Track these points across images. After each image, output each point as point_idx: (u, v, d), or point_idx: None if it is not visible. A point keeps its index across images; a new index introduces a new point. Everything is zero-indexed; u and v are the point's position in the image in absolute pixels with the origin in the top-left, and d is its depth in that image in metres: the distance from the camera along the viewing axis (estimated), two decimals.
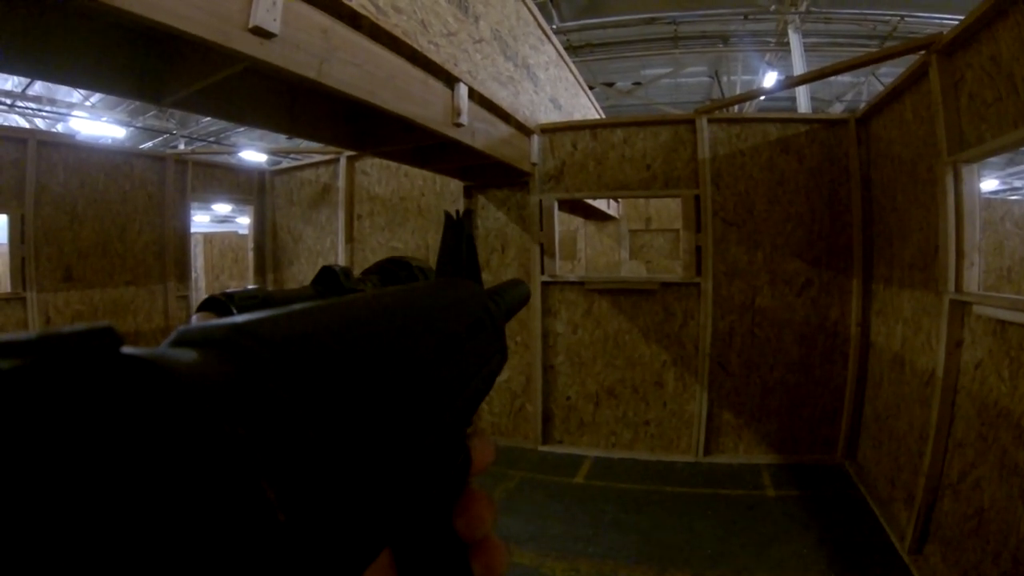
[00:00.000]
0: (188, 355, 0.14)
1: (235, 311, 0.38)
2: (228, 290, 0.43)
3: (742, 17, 6.85)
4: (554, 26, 6.93)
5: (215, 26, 1.55)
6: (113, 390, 0.11)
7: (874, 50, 3.92)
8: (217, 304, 0.41)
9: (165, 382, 0.12)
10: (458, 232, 0.43)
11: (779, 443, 3.95)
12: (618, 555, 3.05)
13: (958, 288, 2.79)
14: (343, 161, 4.74)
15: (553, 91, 4.67)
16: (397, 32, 2.30)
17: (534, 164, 4.14)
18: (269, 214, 5.54)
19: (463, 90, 2.93)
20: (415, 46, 2.47)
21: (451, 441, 0.29)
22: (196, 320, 0.35)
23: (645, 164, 4.09)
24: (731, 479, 3.80)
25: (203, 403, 0.13)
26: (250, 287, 0.49)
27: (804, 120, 3.93)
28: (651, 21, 6.77)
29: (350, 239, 4.81)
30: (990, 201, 3.60)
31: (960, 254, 2.80)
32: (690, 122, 3.97)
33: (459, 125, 2.94)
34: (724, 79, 8.29)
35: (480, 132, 3.26)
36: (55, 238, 4.02)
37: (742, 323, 3.99)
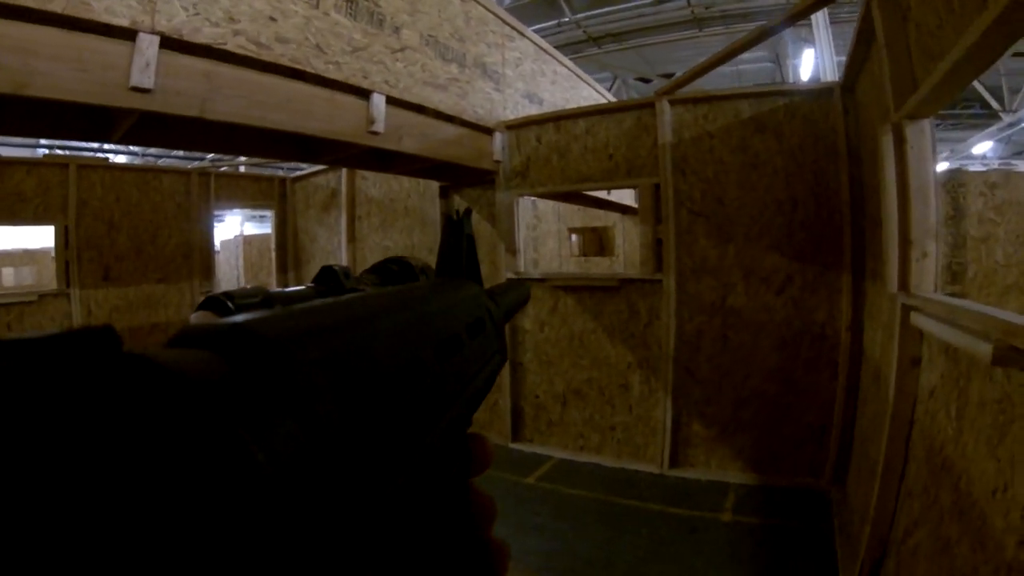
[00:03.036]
0: (188, 354, 0.14)
1: (234, 311, 0.39)
2: (227, 290, 0.43)
3: None
4: (566, 19, 6.63)
5: (103, 92, 1.91)
6: (113, 390, 0.11)
7: None
8: (217, 304, 0.41)
9: (165, 381, 0.12)
10: (458, 232, 0.42)
11: (755, 461, 3.40)
12: (523, 561, 2.88)
13: (903, 287, 2.07)
14: (344, 168, 4.83)
15: (530, 86, 4.30)
16: (284, 62, 2.42)
17: (497, 162, 3.88)
18: (290, 217, 5.81)
19: (378, 100, 2.84)
20: (309, 70, 2.52)
21: (451, 441, 0.28)
22: (196, 319, 0.37)
23: (607, 154, 3.73)
24: (691, 497, 3.34)
25: (203, 402, 0.12)
26: (250, 287, 0.50)
27: (782, 92, 3.24)
28: (659, 3, 6.22)
29: (352, 239, 4.87)
30: (1010, 175, 2.75)
31: (906, 241, 2.06)
32: (651, 105, 3.56)
33: (375, 133, 2.89)
34: (788, 62, 7.29)
35: (411, 137, 3.19)
36: (95, 244, 4.60)
37: (712, 325, 3.50)
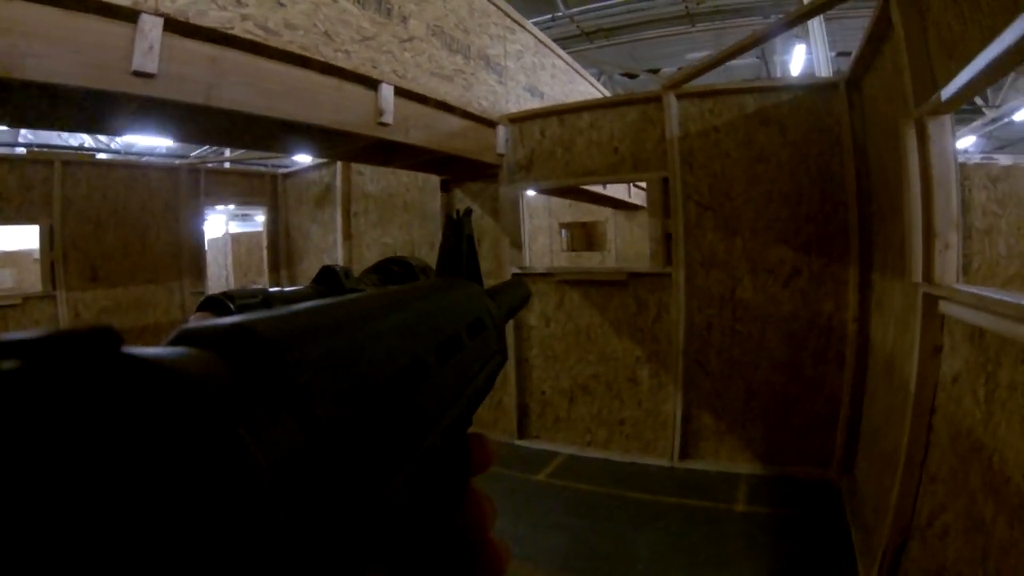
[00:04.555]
0: (188, 355, 0.14)
1: (234, 311, 0.38)
2: (227, 290, 0.43)
3: None
4: (560, 13, 6.59)
5: (102, 76, 1.80)
6: (113, 390, 0.11)
7: None
8: (217, 304, 0.41)
9: (165, 381, 0.12)
10: (458, 232, 0.42)
11: (765, 452, 3.42)
12: (542, 558, 2.80)
13: (927, 278, 2.14)
14: (339, 163, 4.74)
15: (531, 79, 4.27)
16: (292, 48, 2.32)
17: (501, 155, 3.83)
18: (282, 214, 5.65)
19: (386, 91, 2.77)
20: (318, 57, 2.43)
21: (452, 442, 0.28)
22: (195, 320, 0.36)
23: (613, 147, 3.71)
24: (703, 489, 3.35)
25: (203, 402, 0.12)
26: (250, 287, 0.39)
27: (787, 87, 3.27)
28: None
29: (348, 236, 4.76)
30: (1011, 169, 2.82)
31: (930, 233, 2.08)
32: (657, 99, 3.53)
33: (384, 124, 2.79)
34: (775, 58, 7.38)
35: (418, 128, 3.11)
36: (81, 244, 4.41)
37: (721, 317, 3.51)
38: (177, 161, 6.15)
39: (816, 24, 5.53)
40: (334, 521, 0.15)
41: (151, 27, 1.89)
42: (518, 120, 3.86)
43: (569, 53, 5.46)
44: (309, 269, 5.21)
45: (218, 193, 5.17)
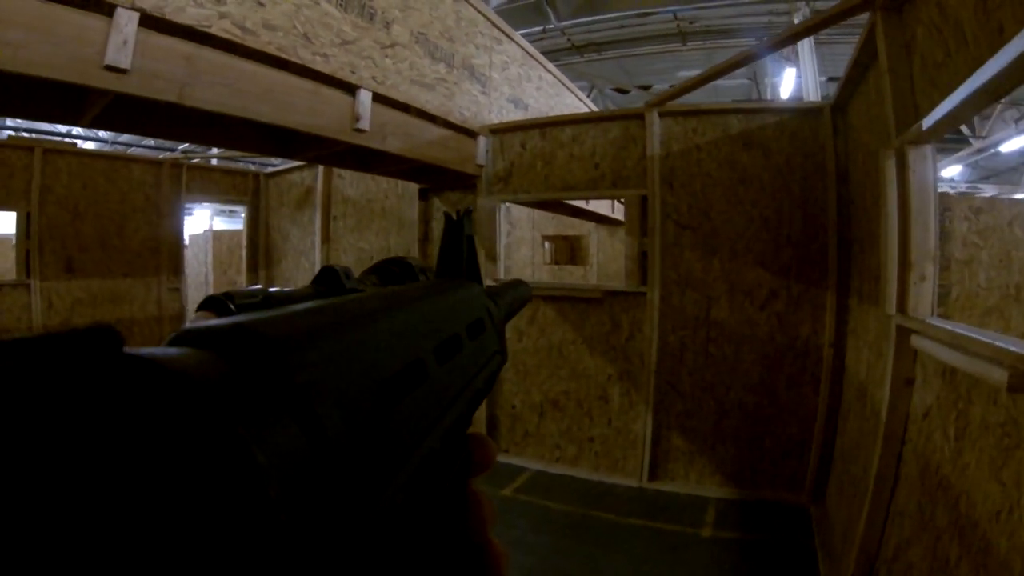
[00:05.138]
0: (189, 355, 0.14)
1: (235, 311, 0.38)
2: (228, 290, 0.43)
3: (746, 6, 6.06)
4: (551, 25, 6.54)
5: (75, 69, 1.78)
6: (114, 390, 0.11)
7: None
8: (217, 304, 0.40)
9: (166, 381, 0.12)
10: (458, 232, 0.42)
11: (736, 475, 3.36)
12: None
13: (901, 309, 2.02)
14: (321, 166, 4.66)
15: (516, 91, 4.23)
16: (270, 49, 2.28)
17: (480, 166, 3.78)
18: (263, 214, 5.59)
19: (364, 96, 2.73)
20: (295, 60, 2.39)
21: (452, 442, 0.27)
22: (195, 319, 0.35)
23: (594, 163, 3.67)
24: (671, 511, 3.28)
25: (203, 402, 0.12)
26: (251, 287, 0.50)
27: (772, 110, 3.23)
28: (645, 15, 6.15)
29: (326, 239, 4.68)
30: (995, 202, 2.79)
31: (905, 265, 2.06)
32: (640, 116, 3.50)
33: (360, 131, 2.73)
34: (766, 80, 7.40)
35: (396, 136, 3.05)
36: (58, 233, 4.32)
37: (695, 338, 3.46)
38: (161, 155, 6.10)
39: (806, 48, 5.56)
40: (335, 521, 0.15)
41: (127, 21, 1.86)
42: (500, 131, 3.83)
43: (559, 66, 5.45)
44: (287, 271, 5.15)
45: (200, 190, 5.10)
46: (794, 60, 6.07)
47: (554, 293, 3.71)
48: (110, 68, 1.85)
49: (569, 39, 6.82)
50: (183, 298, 4.98)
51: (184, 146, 7.05)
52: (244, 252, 5.39)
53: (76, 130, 7.41)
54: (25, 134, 6.24)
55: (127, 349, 0.12)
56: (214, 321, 0.16)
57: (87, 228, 4.50)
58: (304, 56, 2.49)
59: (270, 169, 5.61)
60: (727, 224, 3.27)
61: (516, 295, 0.47)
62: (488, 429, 3.91)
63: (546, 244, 7.75)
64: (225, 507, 0.11)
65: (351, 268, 0.44)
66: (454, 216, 0.42)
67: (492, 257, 3.84)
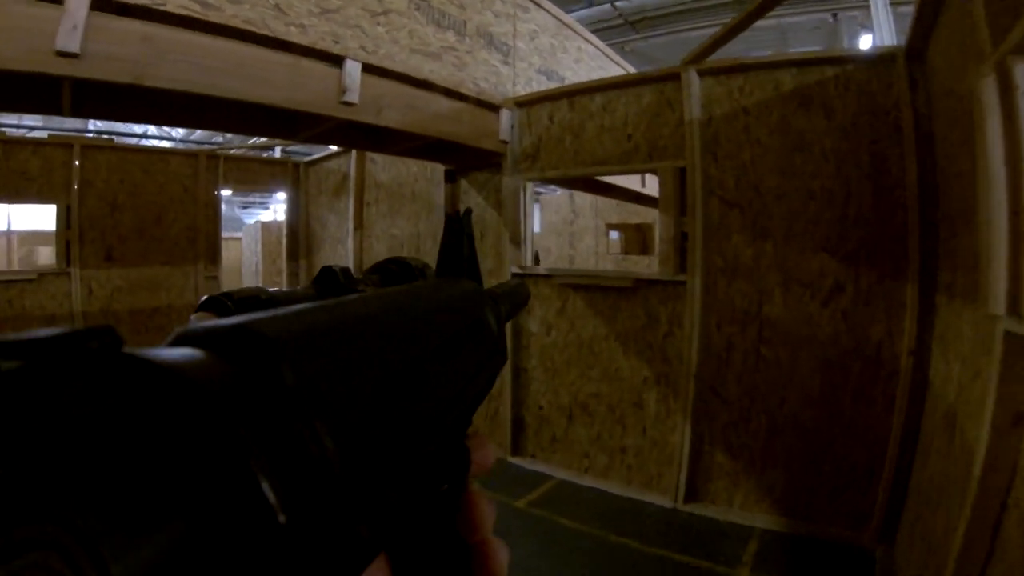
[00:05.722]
0: (189, 355, 0.14)
1: (234, 311, 0.38)
2: (227, 290, 0.44)
3: None
4: None
5: (29, 57, 1.80)
6: (113, 389, 0.11)
7: None
8: (217, 304, 0.41)
9: (166, 382, 0.12)
10: (458, 231, 0.42)
11: (787, 504, 2.80)
12: None
13: (1014, 309, 1.42)
14: (354, 151, 4.49)
15: (548, 62, 3.83)
16: (236, 23, 2.17)
17: (504, 142, 3.48)
18: (303, 203, 5.55)
19: (352, 67, 2.51)
20: (265, 32, 2.25)
21: (451, 442, 0.28)
22: (195, 320, 0.36)
23: (626, 133, 3.21)
24: (704, 542, 2.78)
25: (203, 402, 0.12)
26: (250, 287, 0.51)
27: (832, 60, 2.58)
28: None
29: (359, 226, 4.50)
30: None
31: (1019, 237, 1.43)
32: (676, 77, 2.99)
33: (348, 104, 2.53)
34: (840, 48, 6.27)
35: (394, 109, 2.81)
36: (98, 224, 4.52)
37: (744, 338, 2.92)
38: (197, 147, 6.29)
39: (880, 8, 4.67)
40: (335, 521, 0.15)
41: (77, 6, 1.83)
42: (526, 104, 3.46)
43: (612, 44, 4.93)
44: (325, 259, 5.09)
45: (239, 180, 5.19)
46: (869, 26, 5.14)
47: (580, 281, 3.31)
48: (61, 54, 1.83)
49: (620, 13, 6.20)
50: (220, 286, 5.08)
51: (221, 138, 7.17)
52: (284, 242, 5.42)
53: (120, 128, 7.88)
54: (58, 133, 6.63)
55: (126, 349, 0.12)
56: (213, 321, 0.15)
57: (126, 219, 4.68)
58: (276, 28, 2.32)
59: (310, 157, 5.58)
60: (781, 201, 2.71)
61: (516, 295, 0.45)
62: (514, 431, 3.60)
63: (613, 233, 7.26)
64: (225, 507, 0.11)
65: (350, 268, 0.47)
66: (454, 214, 0.42)
67: (516, 241, 3.49)
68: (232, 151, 5.63)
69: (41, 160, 4.32)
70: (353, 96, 2.58)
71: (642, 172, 3.10)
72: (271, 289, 0.46)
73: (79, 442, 0.10)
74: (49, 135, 5.77)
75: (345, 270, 0.47)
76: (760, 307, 2.79)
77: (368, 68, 2.65)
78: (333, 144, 3.72)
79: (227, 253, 5.16)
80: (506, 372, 3.59)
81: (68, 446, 0.10)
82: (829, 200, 2.61)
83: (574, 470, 3.39)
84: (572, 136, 3.30)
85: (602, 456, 3.30)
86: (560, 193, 7.52)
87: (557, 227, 7.59)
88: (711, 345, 2.91)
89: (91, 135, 6.96)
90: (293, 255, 5.46)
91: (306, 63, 2.46)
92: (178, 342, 0.15)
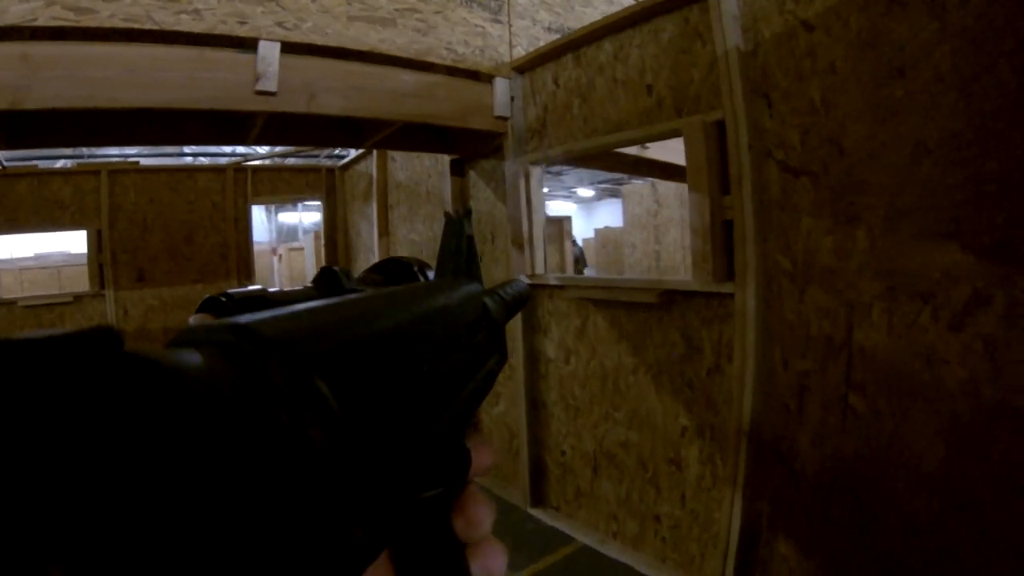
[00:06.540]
0: (189, 355, 0.14)
1: (235, 311, 0.37)
2: (228, 291, 0.44)
3: None
4: None
5: None
6: (114, 389, 0.11)
7: None
8: (217, 304, 0.42)
9: (166, 381, 0.12)
10: (458, 231, 0.42)
11: None
12: None
13: None
14: (375, 151, 4.02)
15: (563, 17, 3.01)
16: (115, 23, 1.89)
17: (502, 118, 2.72)
18: (340, 210, 5.20)
19: (266, 49, 2.06)
20: (149, 27, 1.93)
21: (450, 441, 0.28)
22: (195, 320, 0.39)
23: (644, 85, 2.27)
24: None
25: (203, 402, 0.12)
26: (250, 287, 0.50)
27: None
28: None
29: (384, 232, 4.04)
30: None
31: None
32: None
33: (265, 94, 2.08)
34: None
35: (333, 93, 2.23)
36: (129, 247, 4.57)
37: (824, 378, 1.88)
38: (223, 161, 6.26)
39: None
40: (335, 521, 0.15)
41: None
42: (527, 68, 2.71)
43: None
44: (358, 270, 4.72)
45: (270, 191, 5.02)
46: None
47: (598, 295, 2.49)
48: None
49: None
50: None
51: (244, 149, 7.01)
52: (323, 251, 5.18)
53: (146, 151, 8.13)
54: (86, 161, 6.91)
55: (127, 349, 0.11)
56: (214, 321, 0.15)
57: (155, 239, 4.71)
58: (163, 20, 1.98)
59: (344, 161, 5.25)
60: (876, 161, 1.70)
61: (516, 293, 0.44)
62: (534, 477, 2.90)
63: None
64: (226, 507, 0.11)
65: (350, 269, 0.49)
66: (454, 215, 0.43)
67: (518, 243, 2.76)
68: (264, 162, 5.53)
69: (72, 188, 4.47)
70: (269, 84, 2.10)
71: (668, 136, 2.20)
72: (272, 289, 0.46)
73: (79, 443, 0.10)
74: (76, 164, 6.13)
75: (345, 270, 0.47)
76: (849, 331, 1.80)
77: (290, 47, 2.16)
78: (282, 144, 3.29)
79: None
80: (521, 409, 2.88)
81: (68, 447, 0.10)
82: (954, 154, 1.55)
83: (600, 534, 2.60)
84: (580, 100, 2.49)
85: (632, 522, 2.47)
86: (641, 183, 6.52)
87: (641, 220, 6.59)
88: (774, 389, 1.97)
89: (126, 159, 7.29)
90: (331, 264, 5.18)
91: (210, 54, 2.05)
92: (178, 342, 0.15)
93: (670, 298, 2.23)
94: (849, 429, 1.81)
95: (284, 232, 15.21)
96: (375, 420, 0.18)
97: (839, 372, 1.83)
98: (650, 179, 5.66)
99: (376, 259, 4.07)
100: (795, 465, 1.93)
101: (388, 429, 0.19)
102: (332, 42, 2.24)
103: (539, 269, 2.78)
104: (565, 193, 18.39)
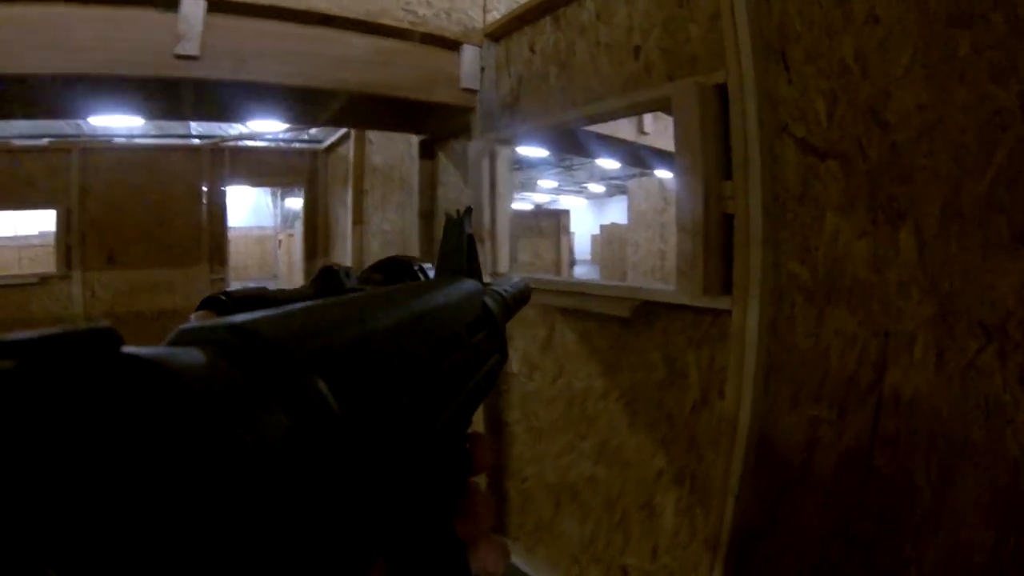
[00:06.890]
0: (188, 354, 0.13)
1: (234, 310, 0.35)
2: (227, 289, 0.45)
3: None
4: None
5: None
6: (113, 389, 0.11)
7: None
8: (216, 303, 0.45)
9: (165, 381, 0.12)
10: (458, 230, 0.41)
11: None
12: None
13: None
14: (353, 131, 3.63)
15: None
16: None
17: (469, 91, 2.29)
18: (321, 195, 4.84)
19: (190, 7, 1.75)
20: None
21: (450, 441, 0.28)
22: (195, 319, 0.38)
23: (631, 47, 1.81)
24: None
25: (202, 401, 0.12)
26: (249, 286, 0.54)
27: None
28: None
29: (358, 220, 3.61)
30: None
31: None
32: None
33: (186, 58, 1.76)
34: None
35: (269, 58, 1.87)
36: (99, 227, 4.31)
37: (844, 429, 1.37)
38: (197, 141, 5.97)
39: None
40: (334, 520, 0.15)
41: None
42: (501, 35, 2.26)
43: None
44: (337, 259, 4.34)
45: (249, 173, 4.71)
46: None
47: (565, 303, 2.04)
48: None
49: None
50: (227, 288, 4.67)
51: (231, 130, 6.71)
52: (302, 240, 4.86)
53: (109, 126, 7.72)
54: (57, 139, 6.69)
55: (125, 348, 0.11)
56: (213, 321, 0.15)
57: (128, 220, 4.43)
58: None
59: (326, 144, 4.87)
60: (931, 139, 1.22)
61: (516, 293, 0.45)
62: (498, 501, 2.48)
63: None
64: (223, 506, 0.11)
65: (350, 267, 0.47)
66: (454, 215, 0.41)
67: (479, 237, 2.34)
68: (245, 142, 5.20)
69: (44, 166, 4.23)
70: (191, 47, 1.79)
71: (656, 106, 1.74)
72: (272, 288, 0.48)
73: (77, 443, 0.10)
74: (49, 141, 5.92)
75: (346, 269, 0.48)
76: (882, 369, 1.32)
77: (217, 6, 1.83)
78: (220, 121, 2.93)
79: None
80: (481, 427, 2.46)
81: (66, 448, 0.09)
82: None
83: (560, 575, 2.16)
84: (557, 68, 2.05)
85: (595, 569, 2.02)
86: (648, 177, 6.01)
87: (646, 217, 6.11)
88: (776, 436, 1.50)
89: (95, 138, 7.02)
90: (312, 254, 4.86)
91: (127, 13, 1.73)
92: (177, 341, 0.14)
93: (648, 312, 1.77)
94: (869, 497, 1.34)
95: (291, 217, 15.04)
96: (375, 420, 0.18)
97: (863, 421, 1.35)
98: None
99: (348, 250, 3.71)
100: (795, 536, 1.47)
101: (389, 428, 0.19)
102: (266, 0, 1.87)
103: (502, 267, 2.34)
104: (576, 188, 17.85)
